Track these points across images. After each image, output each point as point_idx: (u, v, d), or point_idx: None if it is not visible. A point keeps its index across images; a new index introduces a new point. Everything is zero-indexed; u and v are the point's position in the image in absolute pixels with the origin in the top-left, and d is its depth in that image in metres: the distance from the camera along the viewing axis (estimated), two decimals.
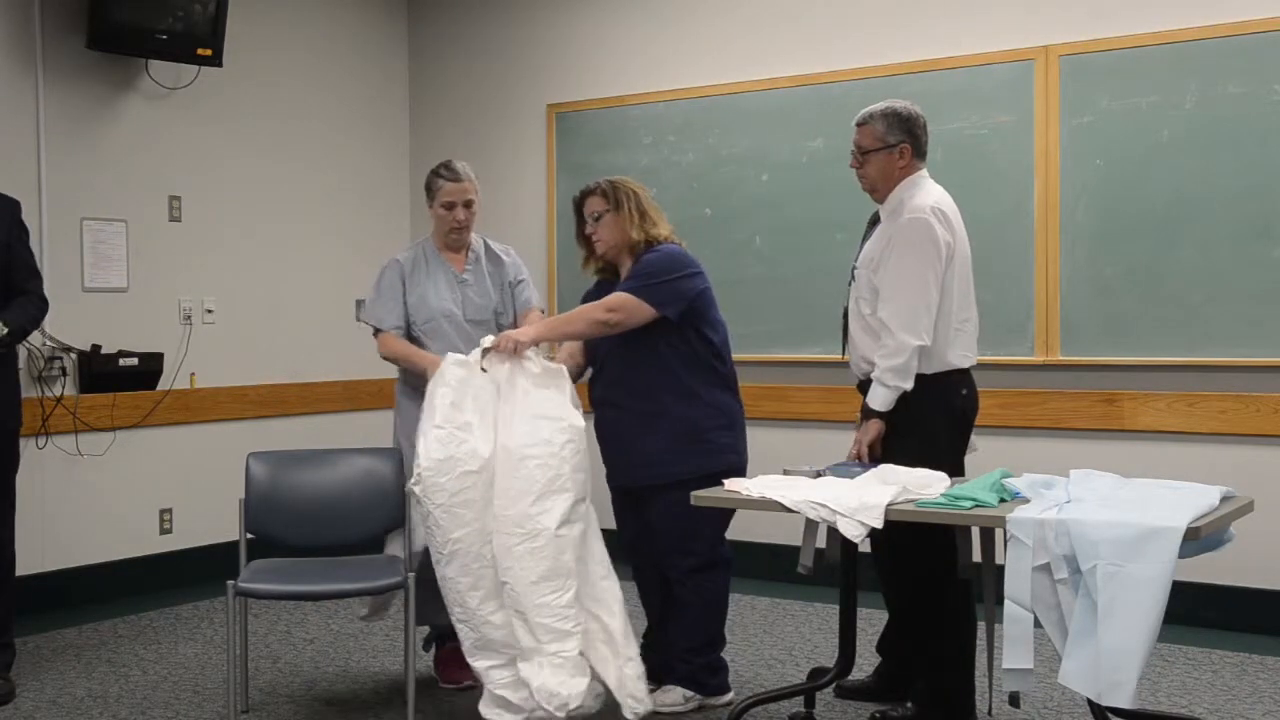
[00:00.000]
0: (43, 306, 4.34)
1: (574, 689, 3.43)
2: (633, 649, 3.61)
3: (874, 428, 3.61)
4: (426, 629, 4.25)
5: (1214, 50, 4.76)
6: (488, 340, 3.69)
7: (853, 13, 5.54)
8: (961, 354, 3.67)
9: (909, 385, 3.57)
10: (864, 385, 3.75)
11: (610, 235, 3.88)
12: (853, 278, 3.78)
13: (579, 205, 3.98)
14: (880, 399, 3.58)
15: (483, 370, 3.63)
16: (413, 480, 3.57)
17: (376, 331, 4.15)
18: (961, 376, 3.69)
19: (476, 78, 6.61)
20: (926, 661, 3.67)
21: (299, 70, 6.28)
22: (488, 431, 3.58)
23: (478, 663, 3.56)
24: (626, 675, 3.57)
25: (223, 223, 5.92)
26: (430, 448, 3.55)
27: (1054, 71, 5.04)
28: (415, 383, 4.02)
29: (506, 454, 3.54)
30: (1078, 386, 5.05)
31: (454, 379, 3.63)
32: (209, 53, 5.51)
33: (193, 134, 5.79)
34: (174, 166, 5.73)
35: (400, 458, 4.05)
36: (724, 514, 3.86)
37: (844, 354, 3.88)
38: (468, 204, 4.15)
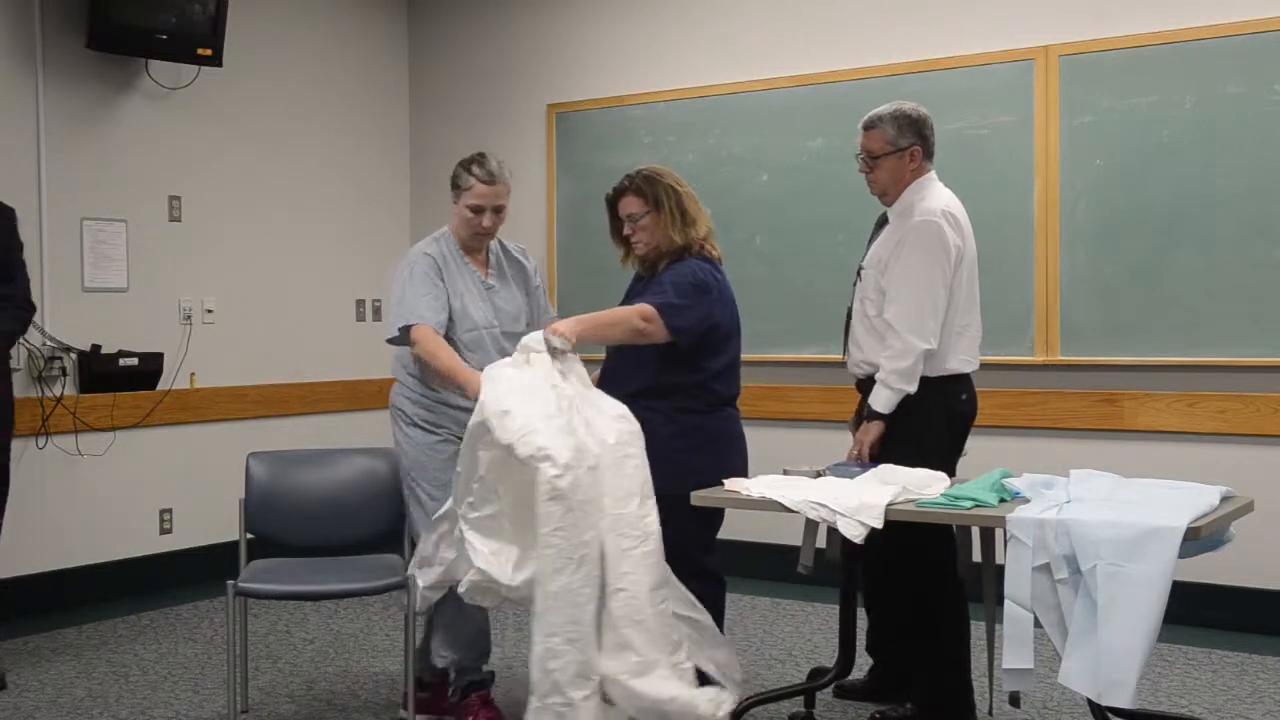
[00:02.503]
0: (21, 314, 4.45)
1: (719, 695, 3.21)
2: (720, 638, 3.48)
3: (875, 429, 3.60)
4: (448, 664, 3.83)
5: (1214, 50, 4.76)
6: (543, 339, 3.35)
7: (853, 13, 5.54)
8: (963, 359, 3.66)
9: (913, 388, 3.56)
10: (863, 385, 3.74)
11: (652, 238, 3.70)
12: (859, 278, 3.77)
13: (613, 203, 3.80)
14: (883, 400, 3.57)
15: (549, 353, 3.31)
16: (556, 473, 3.09)
17: (407, 330, 3.66)
18: (961, 381, 3.68)
19: (476, 78, 6.61)
20: (925, 662, 3.68)
21: (299, 70, 6.28)
22: (582, 425, 3.25)
23: (576, 692, 3.09)
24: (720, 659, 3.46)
25: (223, 223, 5.92)
26: (556, 438, 3.13)
27: (1054, 71, 5.04)
28: (428, 404, 3.75)
29: (608, 450, 3.24)
30: (1078, 386, 5.05)
31: (523, 377, 3.28)
32: (209, 53, 5.51)
33: (193, 134, 5.79)
34: (174, 166, 5.73)
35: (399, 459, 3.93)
36: (709, 528, 3.77)
37: (844, 354, 3.86)
38: (498, 209, 3.76)
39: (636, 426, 3.35)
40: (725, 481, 3.46)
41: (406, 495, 3.83)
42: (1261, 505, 3.36)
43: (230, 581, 3.63)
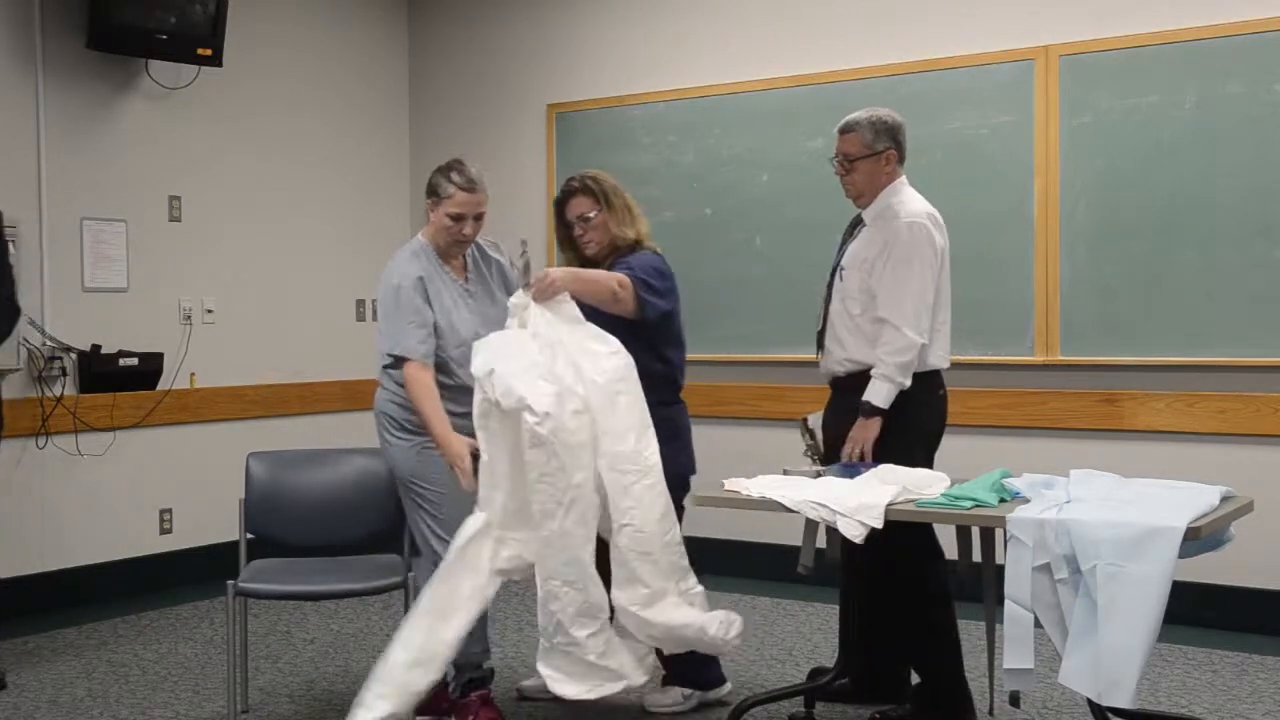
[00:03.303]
0: (7, 317, 4.32)
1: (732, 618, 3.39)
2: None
3: (875, 425, 3.62)
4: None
5: (1214, 50, 4.76)
6: (521, 290, 3.45)
7: (853, 13, 5.53)
8: (939, 355, 3.74)
9: (909, 383, 3.61)
10: (839, 382, 3.79)
11: (604, 236, 3.78)
12: (839, 278, 3.80)
13: (561, 206, 3.86)
14: (884, 395, 3.60)
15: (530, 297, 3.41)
16: (535, 420, 3.18)
17: (399, 361, 3.64)
18: (938, 378, 3.76)
19: (476, 78, 6.61)
20: (923, 662, 3.68)
21: (299, 70, 6.28)
22: (569, 370, 3.32)
23: (580, 631, 3.24)
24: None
25: (223, 223, 5.92)
26: (537, 385, 3.22)
27: (1054, 71, 5.04)
28: (415, 425, 3.69)
29: (598, 390, 3.32)
30: (1078, 386, 5.05)
31: (505, 336, 3.42)
32: (209, 53, 5.51)
33: (193, 134, 5.79)
34: (174, 166, 5.73)
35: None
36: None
37: (818, 353, 3.89)
38: (478, 217, 3.74)
39: (628, 359, 3.40)
40: (725, 482, 3.47)
41: (406, 505, 3.75)
42: (1261, 505, 3.36)
43: (230, 581, 3.64)
